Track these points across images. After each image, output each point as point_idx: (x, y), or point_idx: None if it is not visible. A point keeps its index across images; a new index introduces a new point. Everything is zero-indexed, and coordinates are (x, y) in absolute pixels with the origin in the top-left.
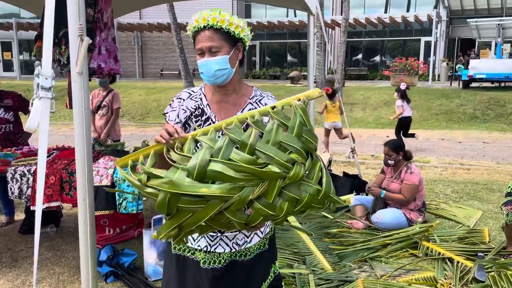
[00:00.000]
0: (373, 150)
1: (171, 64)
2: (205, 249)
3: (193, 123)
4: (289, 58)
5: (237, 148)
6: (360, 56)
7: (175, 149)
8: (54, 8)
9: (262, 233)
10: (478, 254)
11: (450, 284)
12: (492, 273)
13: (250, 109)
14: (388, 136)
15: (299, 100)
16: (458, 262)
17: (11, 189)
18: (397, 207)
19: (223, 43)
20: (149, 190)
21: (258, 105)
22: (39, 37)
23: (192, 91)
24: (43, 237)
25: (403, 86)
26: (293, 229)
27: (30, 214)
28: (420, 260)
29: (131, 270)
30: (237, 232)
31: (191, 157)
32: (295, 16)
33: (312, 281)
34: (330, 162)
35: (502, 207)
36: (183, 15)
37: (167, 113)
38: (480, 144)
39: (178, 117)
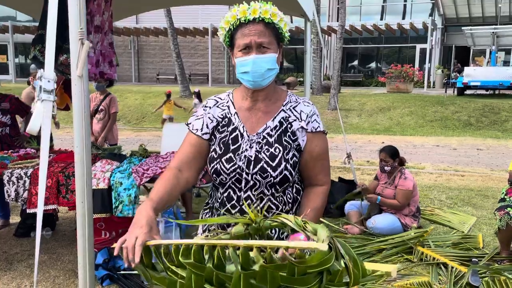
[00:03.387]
0: (369, 156)
1: (168, 69)
2: None
3: (219, 133)
4: (285, 64)
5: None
6: (356, 62)
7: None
8: (56, 11)
9: None
10: (472, 259)
11: None
12: (486, 279)
13: (282, 117)
14: (383, 142)
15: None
16: (452, 267)
17: (7, 191)
18: (392, 213)
19: (273, 40)
20: None
21: (292, 112)
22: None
23: (219, 98)
24: None
25: (196, 90)
26: None
27: (26, 217)
28: (414, 265)
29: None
30: None
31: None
32: (292, 22)
33: None
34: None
35: (495, 212)
36: (180, 20)
37: (190, 123)
38: (474, 151)
39: (207, 127)
